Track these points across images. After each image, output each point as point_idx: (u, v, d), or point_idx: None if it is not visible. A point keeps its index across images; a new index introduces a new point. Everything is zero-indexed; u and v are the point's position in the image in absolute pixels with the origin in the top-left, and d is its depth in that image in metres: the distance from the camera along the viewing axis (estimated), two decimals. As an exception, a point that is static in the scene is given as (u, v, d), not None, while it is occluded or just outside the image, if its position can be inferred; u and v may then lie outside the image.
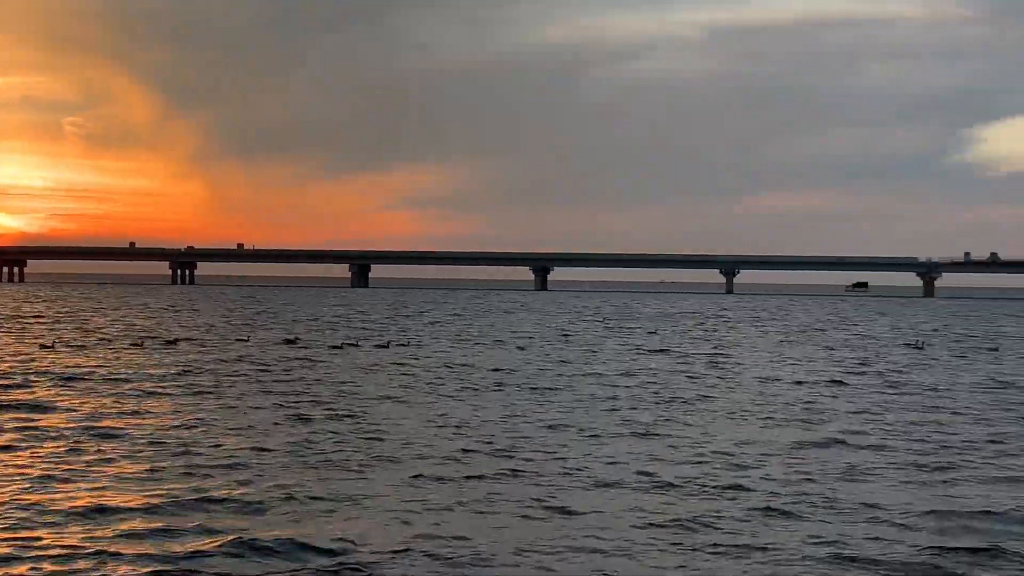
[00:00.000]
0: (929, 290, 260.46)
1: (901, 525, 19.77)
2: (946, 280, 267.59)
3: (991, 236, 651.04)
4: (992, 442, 30.06)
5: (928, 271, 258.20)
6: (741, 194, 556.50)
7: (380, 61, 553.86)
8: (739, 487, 22.86)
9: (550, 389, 42.17)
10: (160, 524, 18.85)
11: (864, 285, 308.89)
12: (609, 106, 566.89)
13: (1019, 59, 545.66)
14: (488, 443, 28.14)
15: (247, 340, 68.04)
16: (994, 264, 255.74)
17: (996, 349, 74.13)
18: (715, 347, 71.22)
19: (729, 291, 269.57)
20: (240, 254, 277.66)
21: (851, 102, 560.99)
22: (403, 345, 66.81)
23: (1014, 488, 23.48)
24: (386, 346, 65.24)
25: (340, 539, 18.01)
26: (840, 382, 47.15)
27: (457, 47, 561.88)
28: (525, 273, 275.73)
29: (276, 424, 31.13)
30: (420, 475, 23.52)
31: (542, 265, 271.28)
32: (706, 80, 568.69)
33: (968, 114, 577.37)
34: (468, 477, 23.41)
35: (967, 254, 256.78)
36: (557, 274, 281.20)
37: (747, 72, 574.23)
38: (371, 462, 25.09)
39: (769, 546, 18.19)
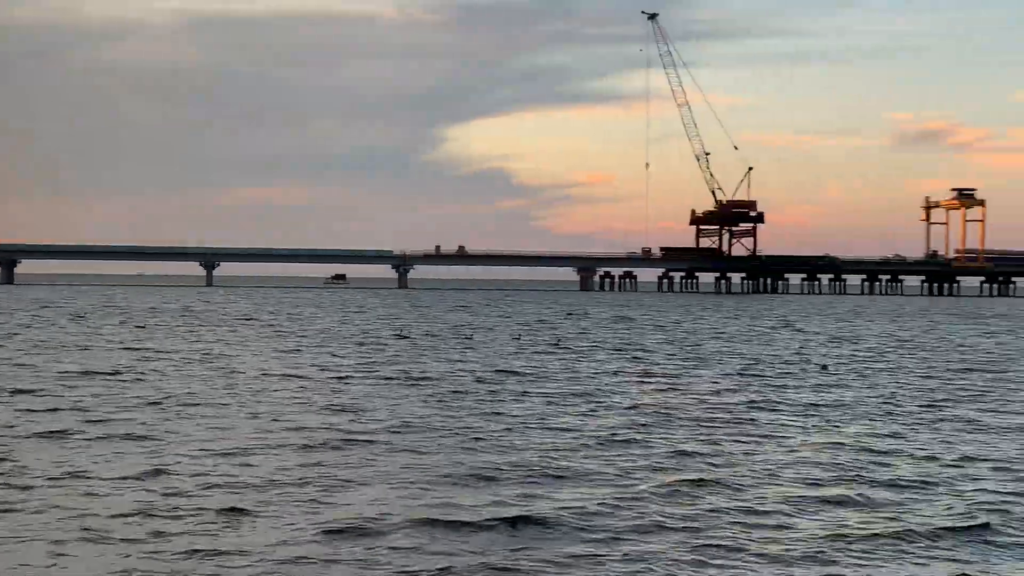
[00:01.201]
0: (403, 282, 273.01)
1: (390, 533, 19.70)
2: (419, 272, 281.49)
3: (458, 230, 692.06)
4: (467, 428, 31.65)
5: (402, 264, 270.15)
6: (221, 185, 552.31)
7: None
8: (215, 490, 22.44)
9: (26, 391, 39.37)
10: None
11: (343, 277, 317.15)
12: (83, 91, 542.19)
13: (482, 64, 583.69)
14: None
15: None
16: (461, 257, 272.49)
17: (471, 337, 78.56)
18: (202, 343, 69.91)
19: (209, 284, 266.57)
20: None
21: (329, 97, 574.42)
22: None
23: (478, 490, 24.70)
24: None
25: None
26: (344, 377, 47.19)
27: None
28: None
29: None
30: None
31: (8, 257, 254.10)
32: (185, 68, 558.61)
33: (437, 114, 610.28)
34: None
35: (437, 247, 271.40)
36: (26, 267, 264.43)
37: (227, 62, 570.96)
38: None
39: (228, 550, 18.00)
